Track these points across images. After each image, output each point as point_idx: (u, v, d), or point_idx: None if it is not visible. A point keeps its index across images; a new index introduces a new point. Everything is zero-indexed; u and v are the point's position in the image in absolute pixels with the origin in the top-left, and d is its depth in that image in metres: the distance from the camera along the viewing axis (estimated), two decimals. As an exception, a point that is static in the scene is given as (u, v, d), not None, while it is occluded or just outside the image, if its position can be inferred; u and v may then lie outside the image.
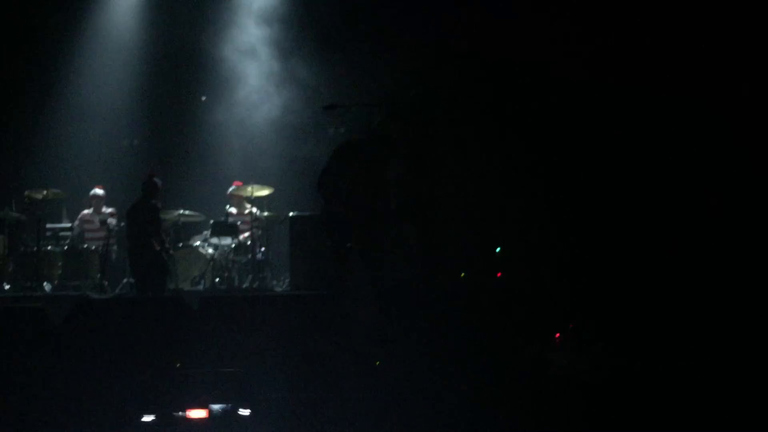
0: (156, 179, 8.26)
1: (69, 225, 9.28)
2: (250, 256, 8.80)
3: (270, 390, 4.19)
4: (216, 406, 4.06)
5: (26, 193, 8.83)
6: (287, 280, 8.72)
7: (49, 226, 9.00)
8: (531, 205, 7.65)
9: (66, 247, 8.82)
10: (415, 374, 4.36)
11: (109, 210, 9.15)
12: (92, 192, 9.25)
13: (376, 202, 6.24)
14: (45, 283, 8.53)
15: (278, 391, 4.21)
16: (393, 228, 6.67)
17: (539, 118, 7.64)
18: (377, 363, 4.31)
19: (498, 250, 8.15)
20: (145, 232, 7.91)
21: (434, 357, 4.47)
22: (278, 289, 8.66)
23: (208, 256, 8.71)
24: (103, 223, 9.01)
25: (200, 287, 8.54)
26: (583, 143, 7.71)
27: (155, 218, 8.05)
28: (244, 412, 4.03)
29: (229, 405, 4.04)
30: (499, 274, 7.96)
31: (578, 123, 7.51)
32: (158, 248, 7.93)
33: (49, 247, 8.75)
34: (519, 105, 7.66)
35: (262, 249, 8.85)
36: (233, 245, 8.81)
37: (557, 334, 6.86)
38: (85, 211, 9.23)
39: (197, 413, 4.05)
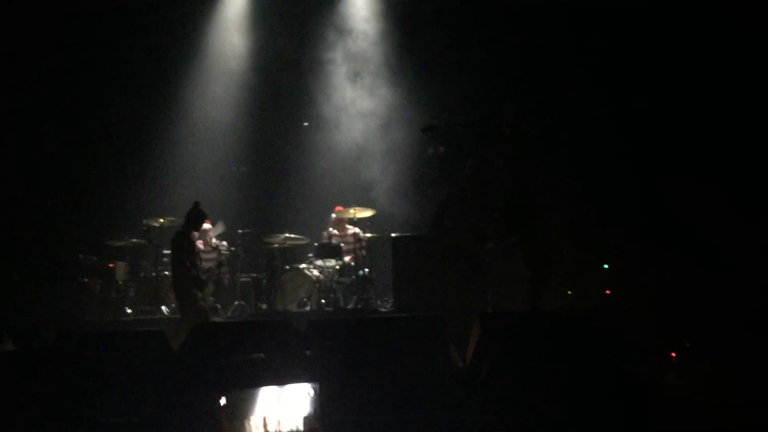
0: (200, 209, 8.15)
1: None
2: (354, 277, 8.95)
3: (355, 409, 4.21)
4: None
5: (144, 221, 9.34)
6: (391, 300, 8.80)
7: (165, 252, 9.48)
8: (638, 218, 7.40)
9: (182, 272, 9.26)
10: (514, 401, 4.27)
11: (218, 242, 9.55)
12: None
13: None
14: (163, 307, 8.98)
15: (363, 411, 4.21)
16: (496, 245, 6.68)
17: (645, 127, 7.42)
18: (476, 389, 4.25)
19: (606, 266, 7.92)
20: (177, 259, 7.90)
21: (537, 383, 4.36)
22: (383, 310, 8.74)
23: (314, 278, 8.89)
24: (215, 249, 9.42)
25: (307, 308, 8.73)
26: (694, 152, 7.42)
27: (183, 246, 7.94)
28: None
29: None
30: (608, 292, 7.72)
31: (686, 132, 7.23)
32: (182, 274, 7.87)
33: (166, 272, 9.22)
34: (621, 115, 7.47)
35: (366, 270, 8.96)
36: (337, 267, 8.98)
37: (672, 354, 6.56)
38: (198, 241, 9.69)
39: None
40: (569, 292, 7.41)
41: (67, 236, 9.39)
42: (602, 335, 4.81)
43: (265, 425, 4.50)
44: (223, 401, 4.42)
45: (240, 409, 4.51)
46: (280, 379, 4.47)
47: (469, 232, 6.86)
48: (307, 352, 4.45)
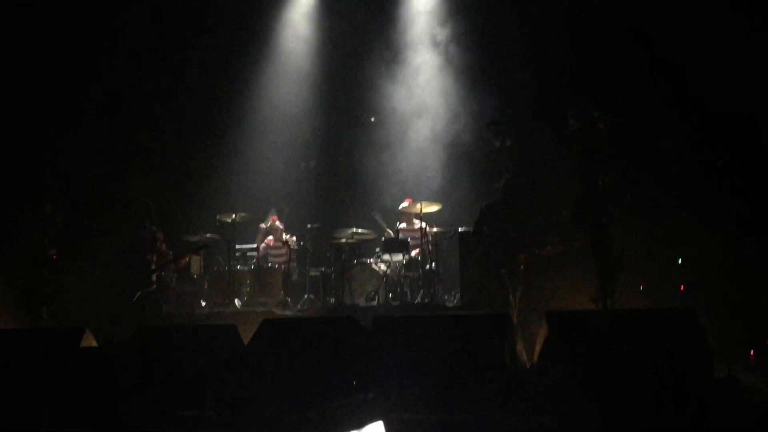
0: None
1: (255, 246, 10.00)
2: (421, 271, 8.97)
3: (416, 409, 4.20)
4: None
5: (217, 216, 9.61)
6: (457, 295, 8.79)
7: (238, 247, 9.73)
8: (711, 211, 7.15)
9: (253, 267, 9.50)
10: (584, 401, 4.19)
11: (288, 236, 9.74)
12: (269, 224, 9.90)
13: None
14: (236, 300, 9.23)
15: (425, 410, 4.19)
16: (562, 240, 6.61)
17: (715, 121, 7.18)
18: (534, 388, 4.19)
19: (680, 261, 7.68)
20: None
21: (608, 383, 4.26)
22: (449, 304, 8.73)
23: (381, 273, 8.97)
24: (285, 243, 9.62)
25: (374, 303, 8.80)
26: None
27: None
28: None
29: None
30: (681, 288, 7.49)
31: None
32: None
33: (238, 267, 9.47)
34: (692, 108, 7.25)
35: (433, 264, 8.97)
36: (404, 261, 9.02)
37: (751, 352, 6.33)
38: (268, 239, 9.93)
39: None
40: (641, 288, 7.23)
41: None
42: (676, 334, 4.66)
43: None
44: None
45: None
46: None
47: (504, 241, 7.07)
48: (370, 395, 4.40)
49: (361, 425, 3.81)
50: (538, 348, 4.82)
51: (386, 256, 9.07)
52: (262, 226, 9.98)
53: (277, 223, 9.94)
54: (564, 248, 6.52)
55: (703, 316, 4.86)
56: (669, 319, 4.74)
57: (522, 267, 7.07)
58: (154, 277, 8.33)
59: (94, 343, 5.17)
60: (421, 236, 9.17)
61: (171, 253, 8.83)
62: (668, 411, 4.31)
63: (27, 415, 4.54)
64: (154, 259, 8.52)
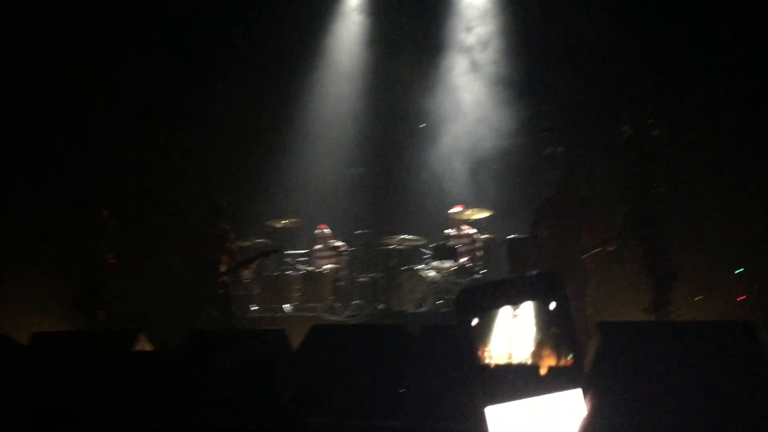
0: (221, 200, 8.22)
1: (305, 251, 10.09)
2: (470, 278, 8.90)
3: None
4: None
5: (267, 223, 9.73)
6: (507, 303, 8.67)
7: (287, 252, 9.83)
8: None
9: (303, 272, 9.59)
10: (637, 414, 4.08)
11: (338, 243, 9.79)
12: (318, 233, 9.97)
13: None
14: (285, 305, 9.32)
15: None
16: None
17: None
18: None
19: (739, 271, 7.45)
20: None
21: (661, 397, 4.15)
22: (499, 312, 8.63)
23: (429, 279, 8.93)
24: (335, 249, 9.67)
25: (423, 309, 8.77)
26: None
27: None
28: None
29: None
30: (742, 298, 7.26)
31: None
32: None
33: (288, 272, 9.56)
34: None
35: (483, 271, 8.89)
36: (454, 268, 8.96)
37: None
38: (317, 247, 9.99)
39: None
40: (697, 299, 7.03)
41: (197, 238, 9.88)
42: (735, 347, 4.50)
43: None
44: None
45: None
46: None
47: (564, 241, 6.73)
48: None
49: None
50: (589, 359, 4.72)
51: (435, 263, 9.03)
52: (317, 232, 10.06)
53: (327, 231, 10.01)
54: (621, 245, 6.22)
55: (763, 329, 4.69)
56: (727, 332, 4.58)
57: (587, 267, 6.73)
58: (224, 278, 8.07)
59: (149, 347, 5.26)
60: (471, 243, 9.10)
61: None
62: (726, 427, 4.18)
63: (78, 416, 4.65)
64: (225, 259, 8.17)
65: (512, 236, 8.38)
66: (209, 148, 10.20)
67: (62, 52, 8.92)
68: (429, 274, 8.99)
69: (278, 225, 9.64)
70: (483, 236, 9.12)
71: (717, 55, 7.88)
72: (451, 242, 9.21)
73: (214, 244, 8.09)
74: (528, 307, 3.54)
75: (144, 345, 5.28)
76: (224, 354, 5.09)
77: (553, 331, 3.52)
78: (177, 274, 8.99)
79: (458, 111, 10.31)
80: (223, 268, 7.98)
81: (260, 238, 9.69)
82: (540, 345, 3.52)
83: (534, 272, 4.31)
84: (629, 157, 5.54)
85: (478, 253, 9.08)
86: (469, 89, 10.28)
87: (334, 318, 8.86)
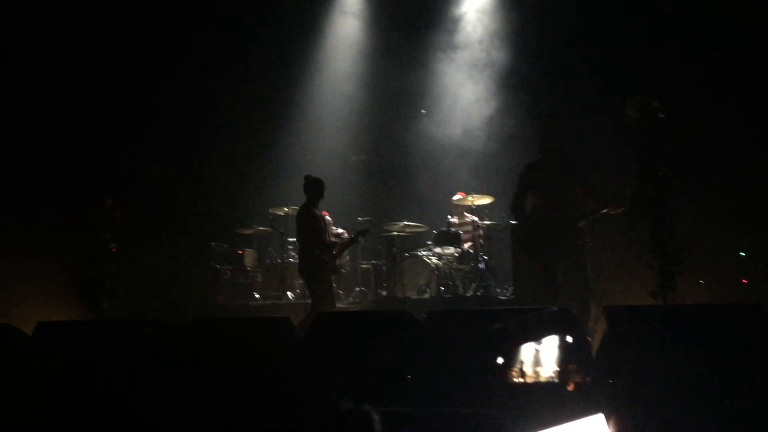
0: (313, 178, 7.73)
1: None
2: (472, 264, 8.91)
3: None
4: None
5: (270, 210, 9.73)
6: (511, 288, 8.70)
7: (290, 239, 9.83)
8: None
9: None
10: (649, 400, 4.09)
11: (339, 230, 9.79)
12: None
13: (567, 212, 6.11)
14: (288, 292, 9.32)
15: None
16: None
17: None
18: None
19: (743, 254, 7.46)
20: (300, 236, 7.53)
21: (672, 382, 4.15)
22: (502, 297, 8.66)
23: (432, 266, 8.94)
24: (336, 236, 9.65)
25: (426, 296, 8.79)
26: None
27: (304, 222, 7.51)
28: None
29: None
30: (745, 281, 7.28)
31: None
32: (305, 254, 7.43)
33: (291, 260, 9.57)
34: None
35: (485, 257, 8.90)
36: (456, 254, 8.97)
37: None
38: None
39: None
40: (701, 282, 7.04)
41: (200, 226, 9.91)
42: (743, 329, 4.50)
43: None
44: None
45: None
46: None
47: (554, 213, 6.12)
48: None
49: None
50: (596, 344, 4.72)
51: (438, 249, 9.04)
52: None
53: (327, 217, 10.00)
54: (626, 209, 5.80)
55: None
56: (734, 314, 4.58)
57: (585, 240, 6.19)
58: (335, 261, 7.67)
59: (154, 335, 5.25)
60: (473, 229, 9.11)
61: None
62: (735, 409, 4.19)
63: (84, 406, 4.65)
64: (329, 240, 7.78)
65: (514, 222, 8.36)
66: (212, 137, 10.19)
67: (65, 42, 8.89)
68: (432, 261, 9.00)
69: (281, 212, 9.64)
70: (485, 222, 9.12)
71: (720, 42, 7.86)
72: (454, 229, 9.22)
73: (318, 224, 7.58)
74: (550, 340, 3.79)
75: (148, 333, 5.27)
76: (231, 340, 5.09)
77: (571, 362, 3.74)
78: (179, 262, 9.01)
79: (458, 97, 10.29)
80: (333, 252, 7.62)
81: (262, 226, 9.69)
82: (564, 371, 3.71)
83: (553, 308, 4.10)
84: (635, 141, 5.51)
85: (481, 240, 9.08)
86: (473, 78, 10.25)
87: (337, 305, 8.87)
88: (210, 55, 10.12)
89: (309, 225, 7.47)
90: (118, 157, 8.81)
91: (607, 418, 3.48)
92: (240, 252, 9.70)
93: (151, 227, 9.06)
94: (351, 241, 8.15)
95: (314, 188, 7.67)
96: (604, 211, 6.04)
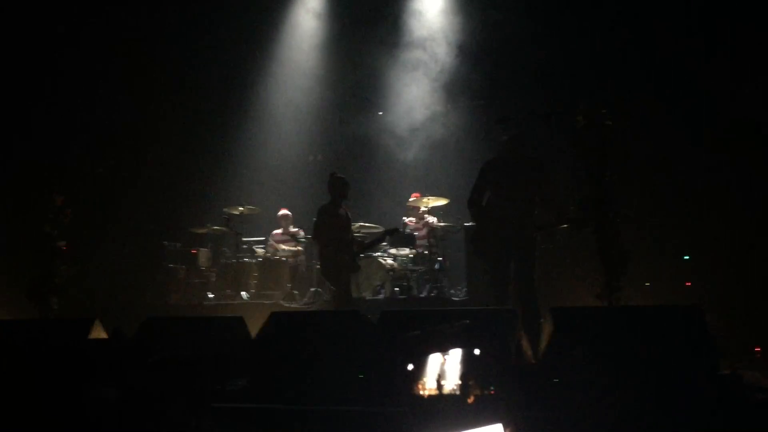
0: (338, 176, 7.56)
1: (263, 238, 10.05)
2: (428, 265, 9.00)
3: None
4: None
5: (225, 209, 9.68)
6: (464, 289, 8.81)
7: (245, 239, 9.79)
8: (717, 207, 7.16)
9: (260, 259, 9.55)
10: (592, 399, 4.21)
11: (296, 229, 9.80)
12: (280, 213, 9.98)
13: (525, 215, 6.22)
14: (243, 292, 9.28)
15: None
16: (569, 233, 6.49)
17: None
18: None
19: (686, 258, 7.70)
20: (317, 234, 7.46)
21: (615, 381, 4.28)
22: (455, 299, 8.76)
23: (388, 266, 8.99)
24: (293, 236, 9.67)
25: (381, 296, 8.84)
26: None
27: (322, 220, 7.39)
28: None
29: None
30: (688, 284, 7.50)
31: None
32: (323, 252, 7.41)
33: (245, 259, 9.53)
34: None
35: (440, 258, 8.99)
36: (411, 255, 9.04)
37: (757, 348, 6.33)
38: (275, 231, 9.98)
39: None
40: (646, 284, 7.24)
41: (153, 224, 9.80)
42: (681, 331, 4.67)
43: None
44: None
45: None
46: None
47: (507, 212, 6.18)
48: None
49: None
50: (543, 344, 4.83)
51: (393, 250, 9.10)
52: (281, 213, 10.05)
53: (285, 212, 10.02)
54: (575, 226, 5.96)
55: (708, 313, 4.87)
56: (674, 316, 4.75)
57: (537, 240, 6.25)
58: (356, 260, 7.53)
59: (104, 334, 5.21)
60: (428, 231, 9.19)
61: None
62: (671, 408, 4.33)
63: (35, 406, 4.59)
64: (354, 241, 7.59)
65: (469, 223, 8.48)
66: (167, 134, 10.08)
67: (12, 34, 8.71)
68: (387, 261, 9.05)
69: (235, 211, 9.59)
70: (440, 224, 9.22)
71: (668, 50, 8.10)
72: (409, 230, 9.29)
73: (343, 223, 7.43)
74: (456, 353, 4.04)
75: (99, 333, 5.23)
76: (183, 340, 5.08)
77: (477, 373, 3.98)
78: (130, 261, 8.89)
79: (413, 99, 10.38)
80: (355, 249, 7.49)
81: (217, 225, 9.63)
82: (465, 385, 3.96)
83: (465, 322, 4.17)
84: (582, 146, 5.65)
85: (435, 241, 9.17)
86: (430, 80, 10.34)
87: (292, 305, 8.86)
88: (164, 53, 10.01)
89: (329, 224, 7.30)
90: (66, 154, 8.66)
91: (505, 428, 3.61)
92: (194, 252, 9.62)
93: (102, 225, 8.93)
94: (378, 241, 8.08)
95: (338, 187, 7.45)
96: (564, 226, 6.21)
